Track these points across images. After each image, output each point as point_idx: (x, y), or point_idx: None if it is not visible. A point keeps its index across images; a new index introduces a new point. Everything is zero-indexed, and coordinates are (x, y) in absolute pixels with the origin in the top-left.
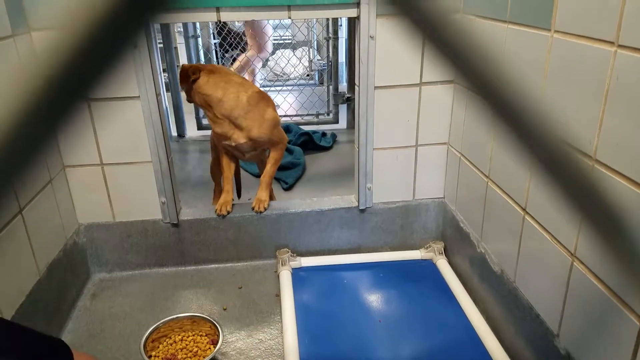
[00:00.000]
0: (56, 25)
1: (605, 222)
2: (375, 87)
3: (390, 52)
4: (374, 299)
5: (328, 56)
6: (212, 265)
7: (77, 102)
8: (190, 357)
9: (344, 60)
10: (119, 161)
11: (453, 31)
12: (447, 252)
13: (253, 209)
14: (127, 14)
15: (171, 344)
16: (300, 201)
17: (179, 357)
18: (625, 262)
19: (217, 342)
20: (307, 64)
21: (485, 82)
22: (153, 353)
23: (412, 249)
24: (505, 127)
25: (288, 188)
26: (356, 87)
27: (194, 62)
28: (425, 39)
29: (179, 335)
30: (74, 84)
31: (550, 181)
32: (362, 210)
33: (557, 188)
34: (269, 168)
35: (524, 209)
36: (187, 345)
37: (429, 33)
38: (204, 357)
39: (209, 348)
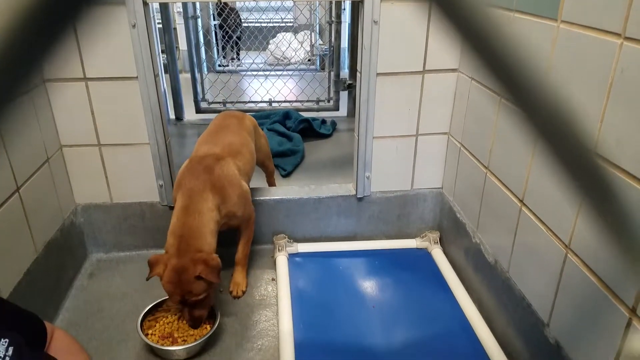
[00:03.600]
0: None
1: (605, 205)
2: (378, 74)
3: (394, 38)
4: (369, 286)
5: (330, 41)
6: None
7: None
8: (186, 336)
9: (346, 45)
10: (117, 142)
11: (484, 22)
12: (442, 242)
13: (231, 292)
14: None
15: (168, 323)
16: (299, 188)
17: (176, 335)
18: (622, 248)
19: (214, 322)
20: (308, 48)
21: (499, 61)
22: (150, 331)
23: (408, 239)
24: (514, 102)
25: (286, 175)
26: (358, 74)
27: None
28: (455, 30)
29: (175, 314)
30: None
31: (553, 159)
32: (360, 199)
33: (559, 167)
34: (242, 249)
35: (521, 201)
36: (183, 324)
37: (461, 25)
38: (200, 336)
39: (205, 328)
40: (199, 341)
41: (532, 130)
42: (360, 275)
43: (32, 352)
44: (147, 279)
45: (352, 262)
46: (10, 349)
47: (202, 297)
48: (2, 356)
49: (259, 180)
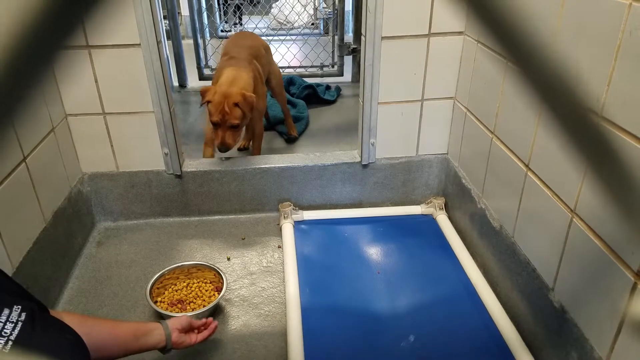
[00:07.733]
0: None
1: (611, 169)
2: (383, 38)
3: (400, 0)
4: (374, 252)
5: (334, 4)
6: (216, 217)
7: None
8: (195, 303)
9: (350, 8)
10: (121, 111)
11: None
12: (447, 208)
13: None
14: None
15: (176, 291)
16: (303, 155)
17: (185, 302)
18: (628, 212)
19: (221, 289)
20: (312, 12)
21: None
22: (159, 299)
23: (413, 205)
24: (516, 64)
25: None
26: (362, 38)
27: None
28: None
29: (184, 282)
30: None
31: (555, 122)
32: (365, 166)
33: (564, 131)
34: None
35: (527, 166)
36: (192, 291)
37: None
38: (208, 303)
39: (213, 295)
40: (207, 308)
41: (534, 93)
42: (365, 242)
43: (42, 316)
44: (201, 106)
45: (357, 228)
46: (24, 315)
47: (236, 124)
48: (15, 321)
49: (266, 144)
